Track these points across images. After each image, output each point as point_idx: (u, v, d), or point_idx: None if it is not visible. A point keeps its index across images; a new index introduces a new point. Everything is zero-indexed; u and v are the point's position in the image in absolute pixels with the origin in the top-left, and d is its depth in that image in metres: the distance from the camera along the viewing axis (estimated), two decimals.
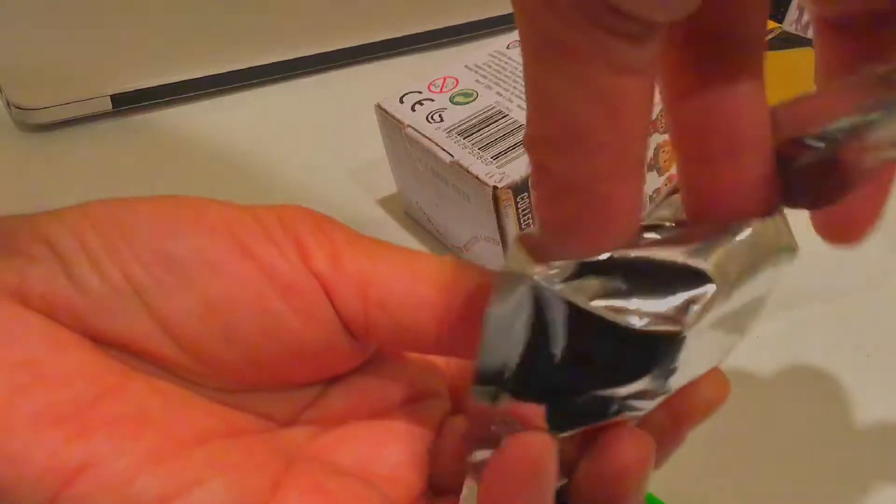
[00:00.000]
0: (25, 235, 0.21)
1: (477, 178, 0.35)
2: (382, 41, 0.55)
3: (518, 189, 0.35)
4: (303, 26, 0.56)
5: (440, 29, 0.56)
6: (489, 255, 0.38)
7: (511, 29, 0.45)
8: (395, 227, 0.43)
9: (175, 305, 0.21)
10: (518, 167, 0.35)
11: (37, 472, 0.19)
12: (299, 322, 0.22)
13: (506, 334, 0.20)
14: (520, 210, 0.35)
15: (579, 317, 0.19)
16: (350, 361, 0.23)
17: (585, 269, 0.19)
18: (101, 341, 0.21)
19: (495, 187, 0.35)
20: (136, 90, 0.50)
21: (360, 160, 0.47)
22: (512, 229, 0.36)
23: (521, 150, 0.36)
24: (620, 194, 0.18)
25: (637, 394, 0.20)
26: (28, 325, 0.21)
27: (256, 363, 0.22)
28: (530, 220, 0.36)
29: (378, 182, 0.45)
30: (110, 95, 0.50)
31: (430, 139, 0.38)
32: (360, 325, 0.22)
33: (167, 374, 0.22)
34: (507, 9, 0.57)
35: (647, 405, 0.20)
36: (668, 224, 0.20)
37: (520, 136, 0.37)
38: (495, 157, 0.36)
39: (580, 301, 0.19)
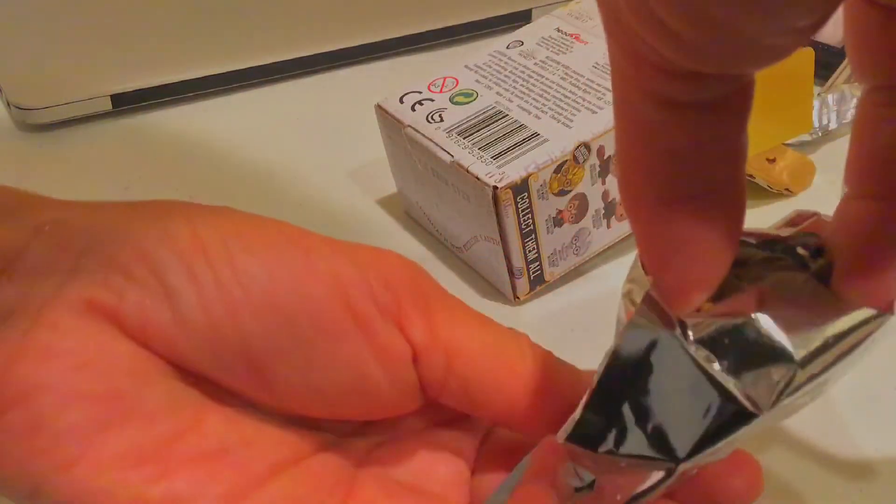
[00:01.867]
0: (129, 252, 0.21)
1: (477, 178, 0.35)
2: (382, 41, 0.55)
3: (518, 189, 0.35)
4: (303, 26, 0.56)
5: (440, 29, 0.56)
6: (489, 255, 0.38)
7: (511, 29, 0.45)
8: (395, 227, 0.43)
9: (277, 357, 0.21)
10: (518, 167, 0.35)
11: None
12: (385, 383, 0.22)
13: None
14: (520, 210, 0.35)
15: (693, 377, 0.19)
16: (415, 407, 0.24)
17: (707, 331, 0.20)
18: (185, 370, 0.21)
19: (495, 187, 0.35)
20: (136, 90, 0.50)
21: (360, 160, 0.47)
22: (512, 229, 0.36)
23: (521, 150, 0.36)
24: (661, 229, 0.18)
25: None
26: (118, 353, 0.20)
27: (334, 407, 0.23)
28: (530, 220, 0.36)
29: (378, 182, 0.45)
30: (110, 95, 0.50)
31: (430, 139, 0.38)
32: (436, 390, 0.23)
33: (243, 402, 0.22)
34: (507, 9, 0.57)
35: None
36: (798, 252, 0.20)
37: (520, 136, 0.37)
38: (495, 157, 0.36)
39: (706, 365, 0.19)
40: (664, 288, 0.19)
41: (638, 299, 0.20)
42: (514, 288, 0.38)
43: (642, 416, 0.20)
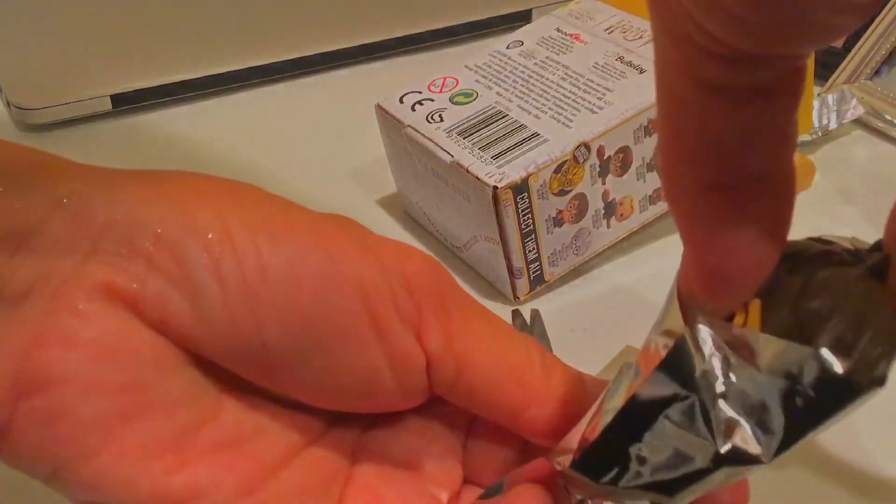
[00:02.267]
0: (151, 237, 0.20)
1: (477, 178, 0.35)
2: (382, 41, 0.55)
3: (518, 189, 0.35)
4: (303, 26, 0.56)
5: (440, 29, 0.56)
6: (489, 255, 0.38)
7: (511, 29, 0.45)
8: (396, 227, 0.43)
9: (293, 359, 0.21)
10: (518, 167, 0.35)
11: (142, 497, 0.20)
12: (395, 386, 0.23)
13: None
14: (519, 210, 0.35)
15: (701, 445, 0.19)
16: (419, 403, 0.24)
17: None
18: (202, 358, 0.21)
19: (495, 187, 0.35)
20: (136, 90, 0.50)
21: (360, 160, 0.47)
22: (512, 229, 0.36)
23: (521, 150, 0.36)
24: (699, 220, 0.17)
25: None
26: (139, 342, 0.20)
27: (341, 403, 0.23)
28: (530, 220, 0.36)
29: (378, 182, 0.45)
30: (110, 95, 0.50)
31: (430, 139, 0.38)
32: (443, 393, 0.23)
33: (256, 388, 0.22)
34: (507, 9, 0.57)
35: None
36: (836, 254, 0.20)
37: (520, 137, 0.37)
38: (495, 157, 0.36)
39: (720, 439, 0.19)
40: (705, 281, 0.18)
41: (665, 348, 0.19)
42: (514, 288, 0.38)
43: (646, 457, 0.20)
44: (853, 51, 0.51)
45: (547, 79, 0.40)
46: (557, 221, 0.37)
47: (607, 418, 0.21)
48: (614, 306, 0.38)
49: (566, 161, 0.36)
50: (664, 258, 0.41)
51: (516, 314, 0.37)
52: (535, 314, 0.37)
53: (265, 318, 0.21)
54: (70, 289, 0.20)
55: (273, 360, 0.21)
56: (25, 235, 0.20)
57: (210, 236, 0.20)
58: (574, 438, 0.22)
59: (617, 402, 0.21)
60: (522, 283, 0.37)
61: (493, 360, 0.23)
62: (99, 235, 0.20)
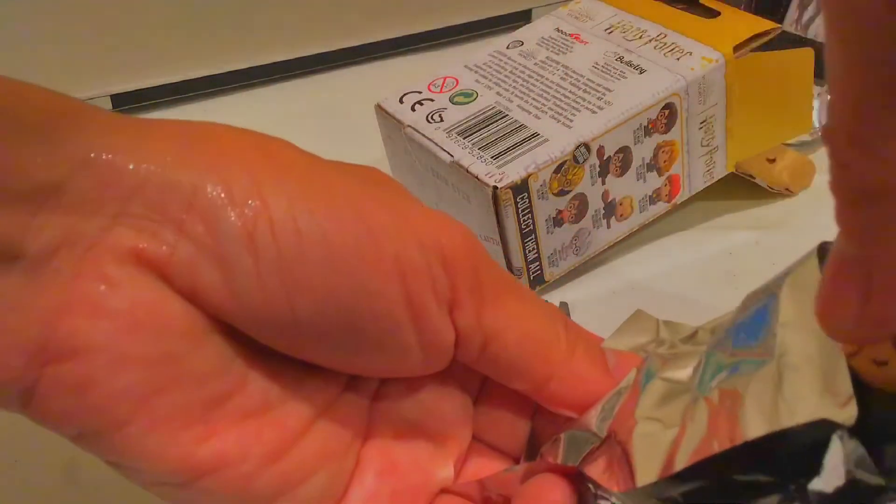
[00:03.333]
0: (182, 203, 0.19)
1: (477, 178, 0.35)
2: (382, 41, 0.55)
3: (518, 189, 0.35)
4: (303, 26, 0.56)
5: (440, 29, 0.56)
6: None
7: (511, 29, 0.45)
8: None
9: (323, 337, 0.21)
10: (518, 167, 0.35)
11: (171, 467, 0.20)
12: (421, 359, 0.22)
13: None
14: (520, 210, 0.35)
15: None
16: (440, 369, 0.24)
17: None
18: (231, 327, 0.21)
19: (495, 187, 0.35)
20: (136, 90, 0.50)
21: (360, 160, 0.47)
22: (512, 229, 0.36)
23: (521, 150, 0.36)
24: None
25: None
26: (169, 312, 0.20)
27: (365, 371, 0.23)
28: (530, 220, 0.36)
29: None
30: (110, 95, 0.50)
31: (430, 139, 0.38)
32: (466, 361, 0.23)
33: (280, 358, 0.22)
34: (507, 9, 0.57)
35: None
36: None
37: (520, 137, 0.37)
38: (495, 157, 0.36)
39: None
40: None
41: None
42: None
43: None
44: None
45: (547, 79, 0.40)
46: (557, 221, 0.37)
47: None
48: (614, 306, 0.38)
49: (566, 161, 0.36)
50: (664, 258, 0.41)
51: None
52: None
53: (298, 296, 0.20)
54: (98, 253, 0.19)
55: (303, 334, 0.21)
56: (49, 193, 0.19)
57: (245, 205, 0.20)
58: (594, 413, 0.23)
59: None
60: (522, 283, 0.37)
61: (519, 335, 0.23)
62: (128, 197, 0.19)
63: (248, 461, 0.21)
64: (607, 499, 0.21)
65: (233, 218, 0.19)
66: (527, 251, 0.37)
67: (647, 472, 0.21)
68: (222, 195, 0.20)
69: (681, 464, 0.20)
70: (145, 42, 0.54)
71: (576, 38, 0.42)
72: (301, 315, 0.20)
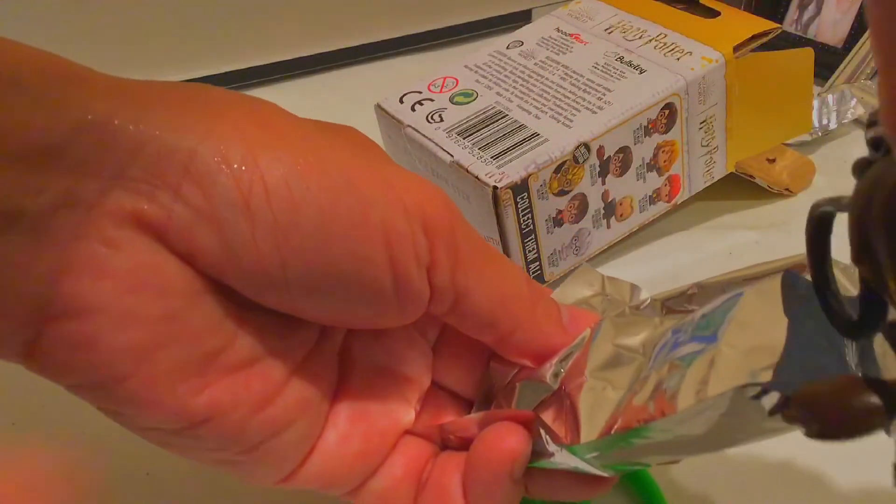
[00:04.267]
0: (178, 166, 0.20)
1: (477, 178, 0.35)
2: (382, 41, 0.55)
3: (518, 189, 0.35)
4: (303, 26, 0.56)
5: (440, 29, 0.56)
6: None
7: (511, 29, 0.45)
8: None
9: (312, 296, 0.22)
10: (518, 167, 0.35)
11: (168, 416, 0.21)
12: (398, 314, 0.24)
13: None
14: (520, 210, 0.35)
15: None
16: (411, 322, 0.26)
17: None
18: (224, 284, 0.22)
19: (495, 187, 0.35)
20: None
21: None
22: (512, 229, 0.36)
23: (521, 150, 0.36)
24: None
25: None
26: (169, 273, 0.21)
27: (345, 323, 0.25)
28: (530, 220, 0.36)
29: None
30: None
31: (430, 139, 0.38)
32: (435, 314, 0.25)
33: (265, 312, 0.23)
34: (507, 9, 0.57)
35: None
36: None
37: (519, 137, 0.37)
38: (495, 157, 0.36)
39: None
40: None
41: None
42: None
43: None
44: (853, 51, 0.51)
45: (547, 79, 0.40)
46: (557, 221, 0.37)
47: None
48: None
49: (566, 161, 0.36)
50: (664, 258, 0.41)
51: None
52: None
53: (291, 259, 0.21)
54: (98, 215, 0.19)
55: (292, 293, 0.22)
56: (49, 154, 0.19)
57: (241, 171, 0.20)
58: (549, 366, 0.25)
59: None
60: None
61: (488, 292, 0.24)
62: (127, 160, 0.20)
63: (239, 410, 0.22)
64: (558, 446, 0.23)
65: (229, 183, 0.20)
66: (527, 251, 0.37)
67: (592, 428, 0.22)
68: (218, 161, 0.20)
69: (619, 426, 0.21)
70: (145, 42, 0.54)
71: (576, 38, 0.42)
72: (292, 276, 0.21)
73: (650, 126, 0.37)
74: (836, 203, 0.17)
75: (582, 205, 0.37)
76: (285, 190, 0.21)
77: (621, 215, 0.39)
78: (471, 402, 0.28)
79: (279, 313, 0.23)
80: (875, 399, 0.16)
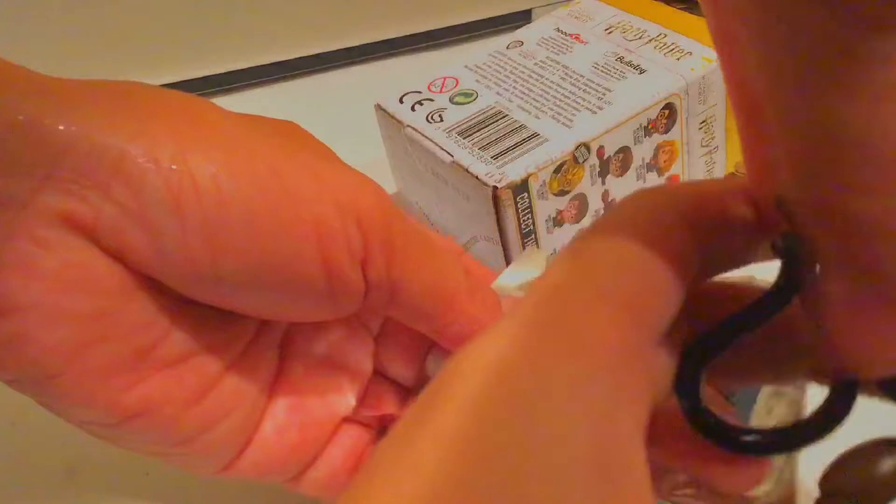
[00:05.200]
0: (108, 167, 0.20)
1: (477, 178, 0.35)
2: (382, 41, 0.55)
3: (518, 189, 0.35)
4: (303, 26, 0.56)
5: (440, 29, 0.56)
6: (489, 255, 0.38)
7: (511, 29, 0.45)
8: None
9: (245, 293, 0.22)
10: (518, 167, 0.35)
11: (100, 411, 0.22)
12: (332, 310, 0.24)
13: None
14: (519, 210, 0.35)
15: None
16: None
17: None
18: (157, 281, 0.22)
19: (495, 187, 0.35)
20: None
21: (360, 160, 0.47)
22: (512, 229, 0.36)
23: (521, 150, 0.36)
24: None
25: None
26: (99, 271, 0.21)
27: (281, 317, 0.25)
28: (530, 220, 0.36)
29: (378, 182, 0.45)
30: None
31: (430, 139, 0.38)
32: (375, 307, 0.25)
33: (200, 307, 0.23)
34: (507, 9, 0.57)
35: None
36: None
37: (519, 137, 0.37)
38: (495, 157, 0.36)
39: None
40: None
41: None
42: None
43: None
44: None
45: (547, 79, 0.40)
46: (557, 221, 0.37)
47: None
48: None
49: (566, 161, 0.36)
50: None
51: None
52: None
53: (221, 256, 0.21)
54: (29, 214, 0.20)
55: (224, 288, 0.22)
56: None
57: (170, 171, 0.20)
58: None
59: None
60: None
61: (424, 285, 0.25)
62: (56, 160, 0.20)
63: (171, 404, 0.23)
64: None
65: (158, 183, 0.20)
66: None
67: None
68: (148, 161, 0.20)
69: None
70: (145, 42, 0.54)
71: (576, 38, 0.42)
72: (223, 272, 0.21)
73: (650, 126, 0.37)
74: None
75: (582, 205, 0.37)
76: (214, 189, 0.21)
77: None
78: (414, 390, 0.29)
79: (215, 308, 0.23)
80: None
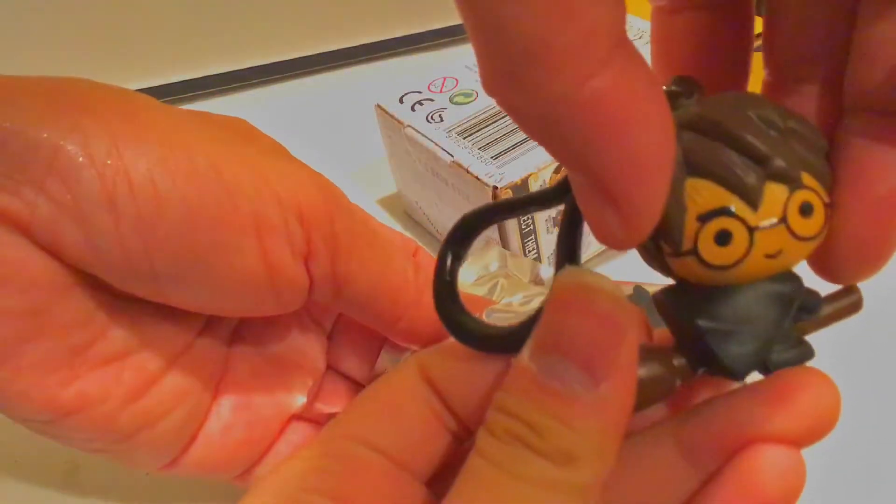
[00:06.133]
0: (42, 162, 0.20)
1: (477, 178, 0.35)
2: (382, 41, 0.55)
3: (518, 189, 0.35)
4: (303, 26, 0.56)
5: (440, 29, 0.56)
6: None
7: None
8: (395, 227, 0.43)
9: (183, 287, 0.22)
10: (518, 167, 0.35)
11: (37, 407, 0.21)
12: (276, 304, 0.24)
13: None
14: None
15: None
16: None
17: None
18: (94, 277, 0.22)
19: (495, 187, 0.35)
20: (136, 90, 0.50)
21: (360, 160, 0.47)
22: (512, 229, 0.36)
23: (521, 151, 0.36)
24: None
25: None
26: (33, 267, 0.21)
27: (225, 311, 0.24)
28: (530, 221, 0.36)
29: (378, 182, 0.45)
30: None
31: (430, 139, 0.38)
32: (322, 302, 0.25)
33: (141, 304, 0.23)
34: None
35: None
36: None
37: (519, 137, 0.37)
38: (495, 157, 0.36)
39: None
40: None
41: None
42: None
43: None
44: None
45: None
46: (557, 222, 0.37)
47: None
48: None
49: None
50: None
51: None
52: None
53: (158, 251, 0.21)
54: None
55: (161, 284, 0.22)
56: None
57: (105, 167, 0.20)
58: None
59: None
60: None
61: (370, 281, 0.25)
62: None
63: (109, 401, 0.22)
64: None
65: (93, 178, 0.20)
66: (527, 251, 0.37)
67: None
68: (82, 156, 0.20)
69: None
70: (145, 42, 0.54)
71: None
72: (159, 268, 0.21)
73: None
74: None
75: None
76: (149, 183, 0.20)
77: None
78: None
79: (159, 304, 0.23)
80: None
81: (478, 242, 0.38)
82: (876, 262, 0.17)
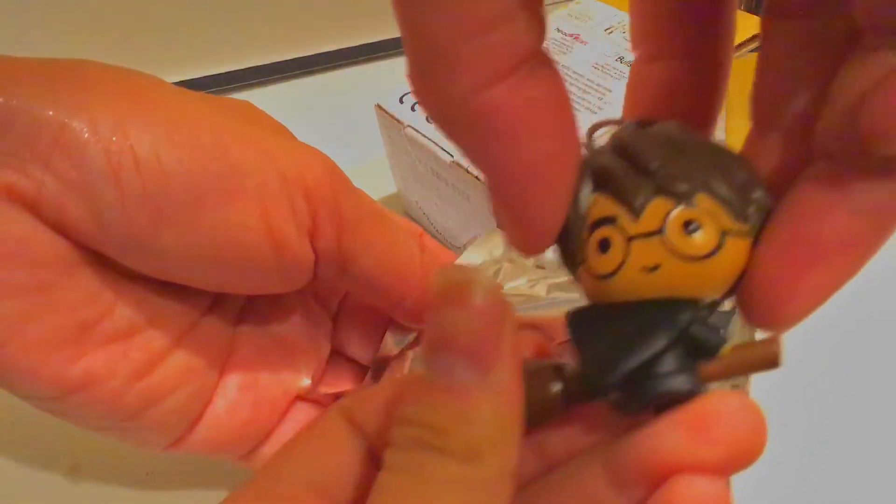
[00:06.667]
0: (49, 140, 0.20)
1: (477, 177, 0.35)
2: (382, 41, 0.55)
3: None
4: (303, 27, 0.56)
5: None
6: None
7: None
8: None
9: (189, 265, 0.22)
10: None
11: (43, 384, 0.22)
12: (282, 281, 0.24)
13: None
14: None
15: None
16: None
17: None
18: (100, 253, 0.22)
19: None
20: None
21: (360, 160, 0.47)
22: None
23: None
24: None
25: None
26: (40, 244, 0.21)
27: (230, 289, 0.24)
28: None
29: (378, 182, 0.45)
30: None
31: (430, 139, 0.38)
32: (327, 280, 0.25)
33: (148, 282, 0.23)
34: None
35: None
36: None
37: None
38: None
39: None
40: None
41: None
42: None
43: None
44: None
45: None
46: None
47: None
48: None
49: None
50: None
51: None
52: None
53: (163, 227, 0.21)
54: None
55: (167, 260, 0.22)
56: None
57: (110, 143, 0.20)
58: None
59: None
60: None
61: (376, 258, 0.25)
62: None
63: (115, 378, 0.22)
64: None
65: (98, 155, 0.20)
66: None
67: None
68: (88, 133, 0.20)
69: None
70: (145, 42, 0.54)
71: (576, 38, 0.42)
72: (165, 244, 0.21)
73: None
74: None
75: None
76: (154, 160, 0.21)
77: None
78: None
79: (166, 282, 0.23)
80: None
81: (483, 229, 0.38)
82: (786, 306, 0.16)
